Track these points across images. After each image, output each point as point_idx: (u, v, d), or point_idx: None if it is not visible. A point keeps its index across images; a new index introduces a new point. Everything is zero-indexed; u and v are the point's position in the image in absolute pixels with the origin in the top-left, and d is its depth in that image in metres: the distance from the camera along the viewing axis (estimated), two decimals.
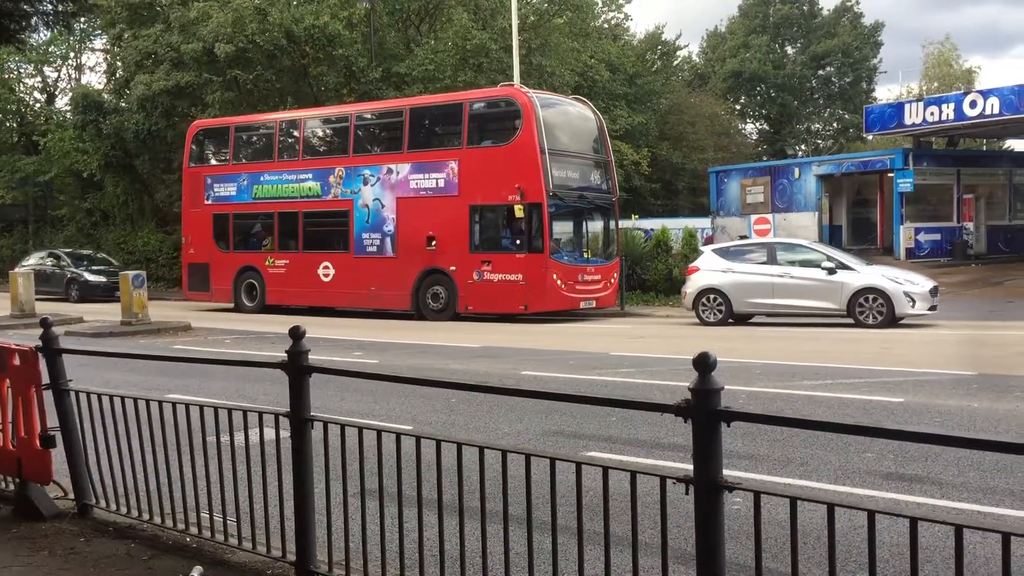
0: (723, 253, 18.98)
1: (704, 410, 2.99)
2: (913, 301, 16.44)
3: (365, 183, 22.11)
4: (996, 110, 27.34)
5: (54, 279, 30.38)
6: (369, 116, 24.18)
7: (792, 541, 2.92)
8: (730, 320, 18.02)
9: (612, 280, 21.52)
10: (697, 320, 18.42)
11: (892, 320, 16.43)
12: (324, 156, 24.20)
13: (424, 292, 21.16)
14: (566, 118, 21.53)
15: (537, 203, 19.50)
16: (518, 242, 19.87)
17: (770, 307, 17.80)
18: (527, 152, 19.63)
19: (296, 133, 24.70)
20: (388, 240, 21.77)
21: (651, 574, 4.06)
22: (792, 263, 17.71)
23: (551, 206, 19.68)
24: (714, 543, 3.00)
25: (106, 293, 28.45)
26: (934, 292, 16.82)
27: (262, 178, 24.20)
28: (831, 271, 17.00)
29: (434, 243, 20.85)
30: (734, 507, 4.68)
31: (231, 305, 24.41)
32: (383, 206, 21.81)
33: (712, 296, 18.20)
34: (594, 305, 20.84)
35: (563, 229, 21.36)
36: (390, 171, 21.72)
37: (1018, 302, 20.42)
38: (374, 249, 22.01)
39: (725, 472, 3.04)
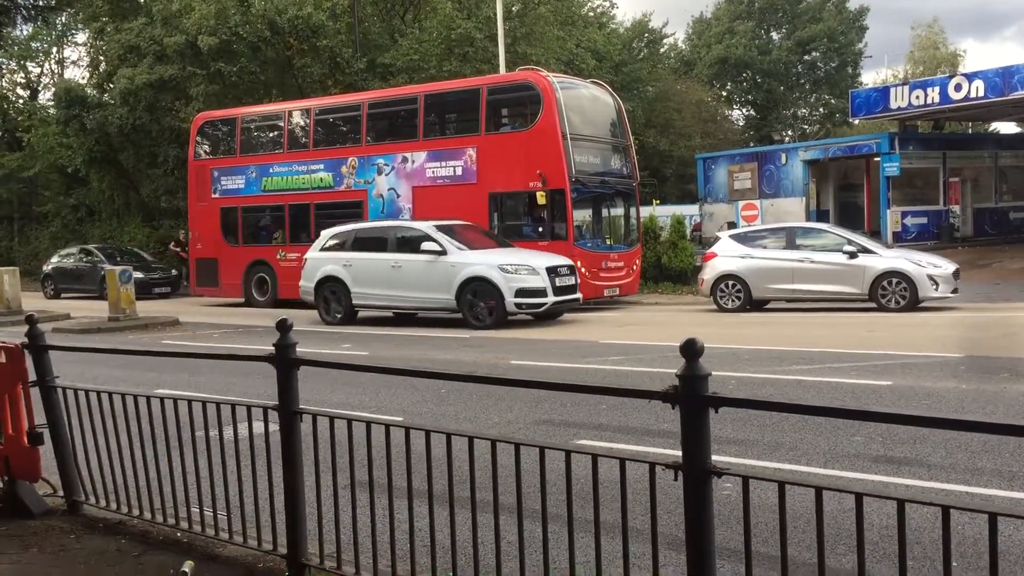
0: (741, 239, 18.53)
1: (691, 396, 2.99)
2: (936, 284, 16.16)
3: (379, 172, 21.72)
4: (981, 93, 27.40)
5: (87, 277, 28.71)
6: (382, 104, 23.41)
7: (781, 525, 2.93)
8: (748, 306, 17.61)
9: (635, 267, 21.20)
10: (715, 307, 17.99)
11: (915, 303, 16.14)
12: (336, 146, 23.39)
13: None
14: (586, 102, 21.07)
15: (560, 189, 19.01)
16: (540, 230, 19.53)
17: (790, 292, 17.42)
18: (548, 137, 19.17)
19: (306, 123, 24.03)
20: None
21: (642, 560, 4.08)
22: (812, 247, 17.34)
23: (574, 192, 19.20)
24: (704, 529, 3.01)
25: (142, 290, 24.60)
26: (956, 275, 16.54)
27: (271, 170, 23.71)
28: (852, 255, 16.66)
29: None
30: (724, 492, 4.70)
31: (242, 300, 23.97)
32: (398, 195, 21.43)
33: (730, 282, 17.79)
34: (618, 292, 20.44)
35: (585, 215, 20.77)
36: (405, 160, 21.32)
37: (1004, 284, 20.52)
38: None
39: (715, 457, 3.04)
